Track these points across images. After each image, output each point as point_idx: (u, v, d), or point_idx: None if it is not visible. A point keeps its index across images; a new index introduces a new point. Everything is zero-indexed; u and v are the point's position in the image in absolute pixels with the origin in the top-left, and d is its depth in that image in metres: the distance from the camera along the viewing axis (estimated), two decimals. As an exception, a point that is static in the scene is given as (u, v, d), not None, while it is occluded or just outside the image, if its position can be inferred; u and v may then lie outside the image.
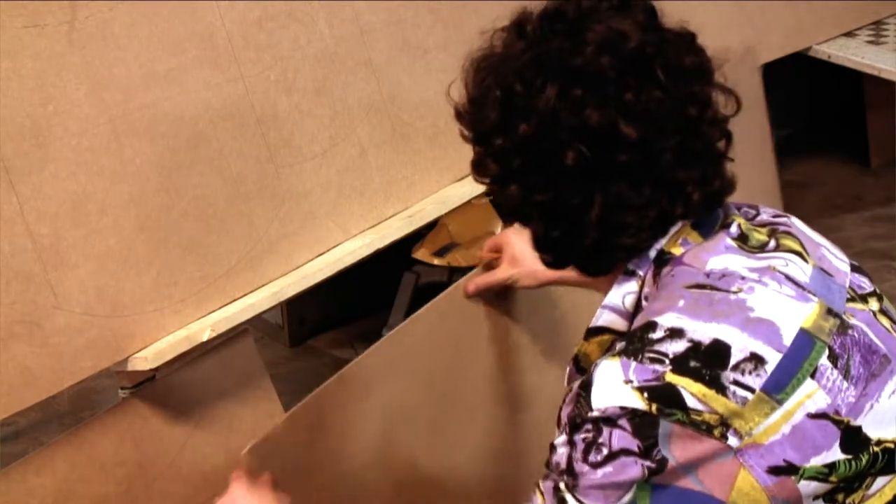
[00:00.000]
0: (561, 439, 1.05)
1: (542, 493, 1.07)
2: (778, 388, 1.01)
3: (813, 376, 1.02)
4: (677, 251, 1.11)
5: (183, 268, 1.65)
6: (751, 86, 3.01)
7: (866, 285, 1.16)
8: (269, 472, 1.39)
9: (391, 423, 1.75)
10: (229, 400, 1.75)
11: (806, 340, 1.03)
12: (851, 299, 1.11)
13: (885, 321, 1.12)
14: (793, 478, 1.01)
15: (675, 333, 1.03)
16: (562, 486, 1.04)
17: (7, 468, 1.51)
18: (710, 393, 1.00)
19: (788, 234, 1.16)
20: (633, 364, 1.03)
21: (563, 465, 1.04)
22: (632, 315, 1.13)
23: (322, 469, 1.67)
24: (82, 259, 1.54)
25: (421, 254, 2.64)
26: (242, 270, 1.73)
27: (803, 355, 1.03)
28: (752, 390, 1.01)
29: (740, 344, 1.02)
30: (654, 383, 1.01)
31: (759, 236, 1.14)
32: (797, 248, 1.13)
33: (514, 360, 1.93)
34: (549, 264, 1.19)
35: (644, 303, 1.12)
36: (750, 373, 1.01)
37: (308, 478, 1.65)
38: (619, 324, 1.14)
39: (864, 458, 1.02)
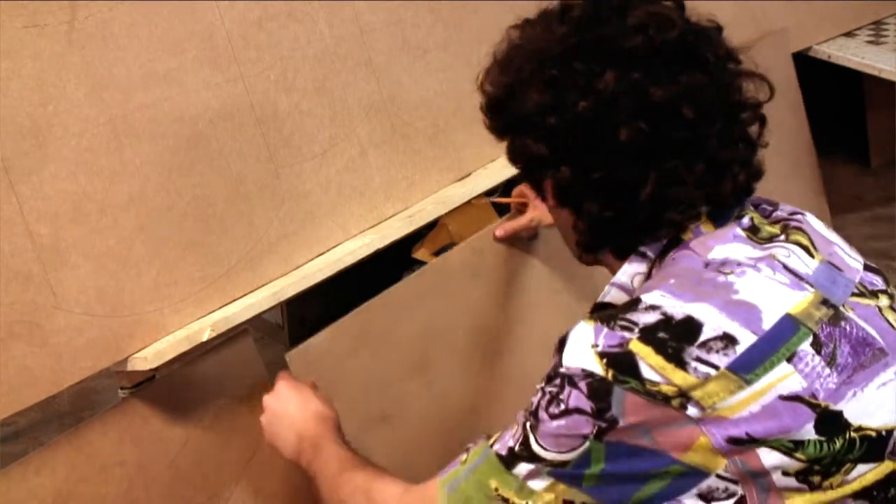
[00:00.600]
0: (539, 385, 1.12)
1: (517, 425, 1.14)
2: (747, 368, 1.04)
3: (790, 360, 1.04)
4: (687, 237, 1.15)
5: (183, 268, 1.65)
6: (784, 71, 3.02)
7: (878, 283, 1.18)
8: (312, 377, 1.54)
9: (431, 342, 1.89)
10: (229, 400, 1.75)
11: (789, 325, 1.06)
12: (859, 294, 1.14)
13: (891, 317, 1.14)
14: (752, 447, 1.03)
15: (652, 308, 1.07)
16: (528, 425, 1.11)
17: (7, 468, 1.51)
18: (669, 366, 1.04)
19: (800, 230, 1.19)
20: (605, 330, 1.08)
21: (533, 408, 1.11)
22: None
23: (362, 379, 1.81)
24: (82, 259, 1.54)
25: (421, 254, 2.63)
26: (242, 270, 1.73)
27: (783, 339, 1.05)
28: (715, 367, 1.03)
29: (714, 323, 1.05)
30: (615, 350, 1.06)
31: (771, 230, 1.18)
32: (805, 242, 1.16)
33: (543, 309, 2.06)
34: (586, 247, 1.22)
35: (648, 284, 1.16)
36: (718, 351, 1.04)
37: (348, 386, 1.77)
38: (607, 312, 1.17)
39: (839, 442, 1.04)
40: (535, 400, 1.11)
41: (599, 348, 1.07)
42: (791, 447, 1.04)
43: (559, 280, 2.05)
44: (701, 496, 1.07)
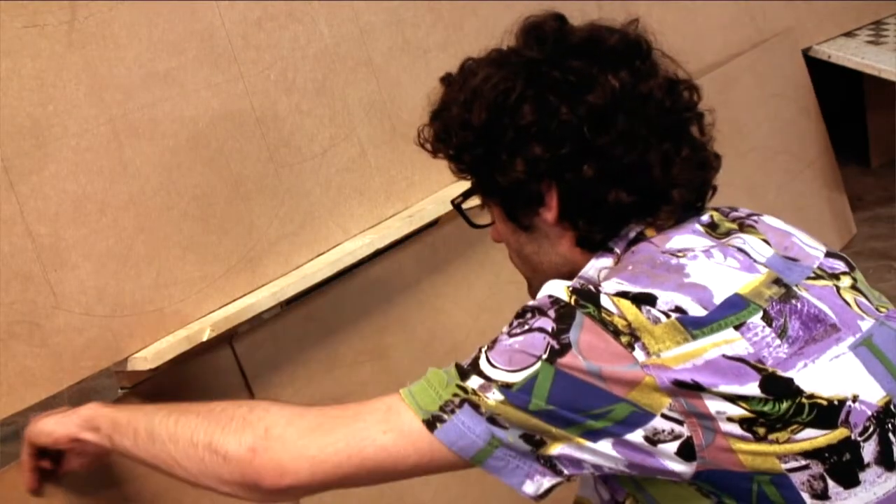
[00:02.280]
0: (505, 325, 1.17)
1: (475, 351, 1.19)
2: (695, 325, 1.10)
3: (737, 328, 1.10)
4: (651, 233, 1.23)
5: (183, 268, 1.65)
6: (794, 71, 3.03)
7: (840, 267, 1.25)
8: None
9: (386, 331, 1.96)
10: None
11: (738, 302, 1.12)
12: (817, 277, 1.20)
13: (849, 296, 1.20)
14: (697, 392, 1.08)
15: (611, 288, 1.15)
16: (482, 349, 1.16)
17: (4, 468, 1.51)
18: (626, 303, 1.11)
19: (754, 228, 1.26)
20: (577, 283, 1.17)
21: (496, 337, 1.16)
22: None
23: (316, 359, 1.85)
24: (82, 259, 1.54)
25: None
26: (242, 270, 1.73)
27: (730, 312, 1.11)
28: (666, 315, 1.10)
29: (667, 297, 1.12)
30: (583, 287, 1.15)
31: (730, 226, 1.26)
32: (761, 238, 1.24)
33: (507, 298, 2.08)
34: (586, 240, 1.26)
35: None
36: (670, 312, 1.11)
37: (297, 369, 1.83)
38: None
39: (786, 404, 1.08)
40: (497, 335, 1.17)
41: (570, 286, 1.16)
42: (735, 397, 1.08)
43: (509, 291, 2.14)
44: (647, 439, 1.09)
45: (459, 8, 2.11)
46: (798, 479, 1.09)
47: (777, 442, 1.08)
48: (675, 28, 2.72)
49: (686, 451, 1.09)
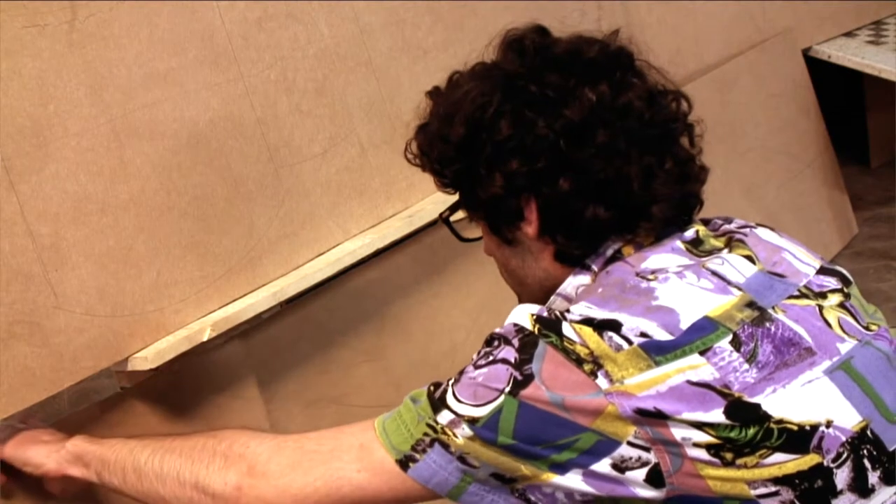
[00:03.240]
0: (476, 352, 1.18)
1: (435, 386, 1.19)
2: (658, 351, 1.09)
3: (703, 353, 1.09)
4: (629, 251, 1.22)
5: (183, 268, 1.65)
6: (794, 71, 3.03)
7: (831, 284, 1.22)
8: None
9: (383, 331, 1.98)
10: (206, 412, 1.73)
11: (706, 325, 1.11)
12: (800, 296, 1.18)
13: (833, 316, 1.17)
14: (661, 420, 1.07)
15: (579, 314, 1.15)
16: (450, 381, 1.17)
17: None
18: (588, 331, 1.11)
19: (742, 242, 1.23)
20: (543, 308, 1.17)
21: (462, 369, 1.17)
22: None
23: (313, 359, 1.87)
24: (82, 259, 1.54)
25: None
26: (242, 270, 1.73)
27: (696, 336, 1.10)
28: (629, 342, 1.09)
29: (632, 324, 1.11)
30: (547, 315, 1.14)
31: (715, 243, 1.24)
32: (748, 253, 1.21)
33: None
34: (564, 255, 1.25)
35: None
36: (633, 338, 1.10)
37: (293, 369, 1.85)
38: None
39: (753, 429, 1.07)
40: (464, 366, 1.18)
41: (534, 312, 1.16)
42: (700, 424, 1.07)
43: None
44: (615, 467, 1.09)
45: (459, 8, 2.11)
46: None
47: (745, 466, 1.07)
48: (675, 28, 2.72)
49: (655, 478, 1.09)
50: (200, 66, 1.70)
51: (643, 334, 1.09)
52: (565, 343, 1.11)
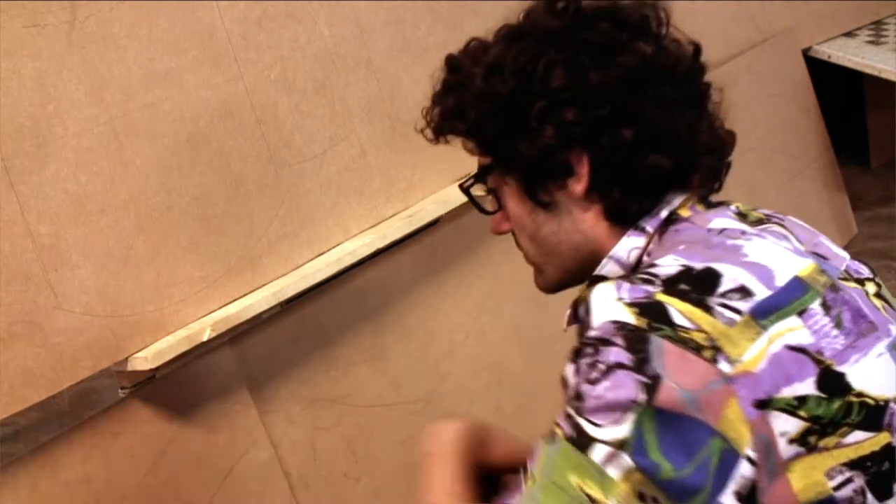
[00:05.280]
0: (569, 369, 1.06)
1: (559, 427, 1.05)
2: (763, 314, 1.04)
3: (800, 315, 1.05)
4: (686, 213, 1.18)
5: (183, 268, 1.65)
6: (794, 72, 3.03)
7: (864, 272, 1.20)
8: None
9: (381, 332, 1.99)
10: (203, 418, 1.73)
11: (799, 285, 1.07)
12: (846, 279, 1.15)
13: (877, 302, 1.15)
14: (766, 411, 1.02)
15: (669, 265, 1.09)
16: (572, 411, 1.04)
17: (3, 468, 1.51)
18: (698, 312, 1.03)
19: (781, 224, 1.21)
20: (626, 284, 1.07)
21: (572, 392, 1.05)
22: (633, 269, 1.17)
23: (313, 359, 1.90)
24: (82, 259, 1.54)
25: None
26: (242, 270, 1.73)
27: (794, 296, 1.06)
28: (739, 312, 1.04)
29: (732, 275, 1.06)
30: (643, 300, 1.04)
31: (758, 215, 1.22)
32: (788, 234, 1.19)
33: (508, 298, 2.14)
34: (618, 213, 1.21)
35: (646, 258, 1.17)
36: (737, 300, 1.05)
37: (299, 365, 1.87)
38: (619, 275, 1.18)
39: (837, 403, 1.03)
40: (571, 383, 1.06)
41: (626, 300, 1.04)
42: (795, 405, 1.03)
43: (523, 270, 2.14)
44: (738, 496, 1.02)
45: (459, 8, 2.11)
46: (843, 496, 1.04)
47: (827, 449, 1.03)
48: (675, 28, 2.72)
49: (747, 495, 1.02)
50: (200, 65, 1.70)
51: (743, 289, 1.04)
52: (680, 333, 1.02)
